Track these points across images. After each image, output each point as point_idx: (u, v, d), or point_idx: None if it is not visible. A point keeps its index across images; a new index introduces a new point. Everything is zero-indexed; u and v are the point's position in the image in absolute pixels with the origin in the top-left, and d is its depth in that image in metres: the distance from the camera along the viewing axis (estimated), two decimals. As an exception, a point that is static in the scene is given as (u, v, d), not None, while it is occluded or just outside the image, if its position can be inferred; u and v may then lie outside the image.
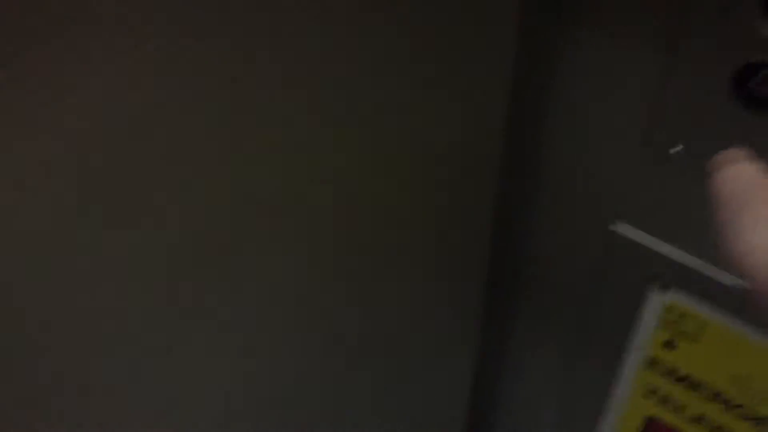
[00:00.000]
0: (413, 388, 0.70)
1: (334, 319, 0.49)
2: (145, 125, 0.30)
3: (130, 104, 0.29)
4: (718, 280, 0.61)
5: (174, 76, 0.30)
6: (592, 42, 0.59)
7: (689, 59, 0.53)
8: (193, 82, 0.31)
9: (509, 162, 0.66)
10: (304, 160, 0.40)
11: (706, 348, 0.65)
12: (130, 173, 0.30)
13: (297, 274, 0.44)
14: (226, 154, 0.34)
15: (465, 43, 0.51)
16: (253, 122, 0.35)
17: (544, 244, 0.72)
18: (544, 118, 0.65)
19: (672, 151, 0.57)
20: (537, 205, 0.70)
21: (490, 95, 0.59)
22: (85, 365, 0.32)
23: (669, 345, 0.67)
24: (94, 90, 0.27)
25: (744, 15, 0.49)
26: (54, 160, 0.27)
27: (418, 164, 0.52)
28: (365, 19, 0.40)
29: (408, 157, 0.51)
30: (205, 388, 0.39)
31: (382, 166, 0.48)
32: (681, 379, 0.69)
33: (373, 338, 0.56)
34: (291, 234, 0.41)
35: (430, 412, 0.79)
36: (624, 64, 0.57)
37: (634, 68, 0.57)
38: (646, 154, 0.59)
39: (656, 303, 0.66)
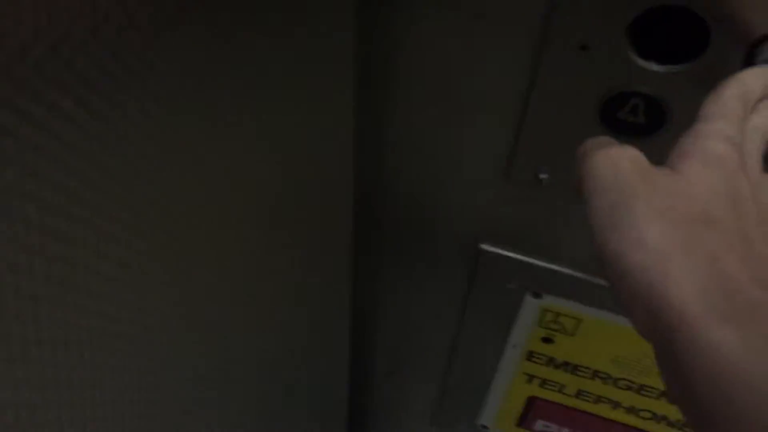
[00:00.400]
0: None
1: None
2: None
3: None
4: (589, 282, 0.58)
5: None
6: (452, 66, 0.49)
7: (554, 89, 0.46)
8: None
9: (369, 186, 0.59)
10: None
11: (583, 340, 0.64)
12: None
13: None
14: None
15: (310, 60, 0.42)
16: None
17: (414, 258, 0.66)
18: (401, 144, 0.56)
19: (540, 176, 0.51)
20: (404, 222, 0.63)
21: (337, 120, 0.50)
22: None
23: (547, 341, 0.66)
24: None
25: (610, 48, 0.42)
26: None
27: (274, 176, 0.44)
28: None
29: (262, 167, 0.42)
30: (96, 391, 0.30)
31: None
32: (560, 365, 0.68)
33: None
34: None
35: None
36: (485, 91, 0.49)
37: (496, 95, 0.49)
38: (511, 178, 0.53)
39: (531, 307, 0.63)
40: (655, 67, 0.42)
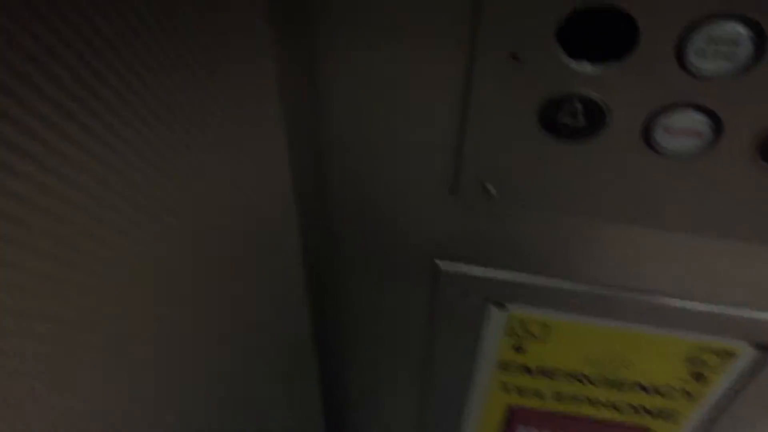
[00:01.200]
0: None
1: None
2: None
3: None
4: (551, 287, 0.57)
5: None
6: (384, 85, 0.48)
7: (489, 101, 0.44)
8: None
9: (317, 213, 0.56)
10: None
11: (554, 344, 0.63)
12: None
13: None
14: None
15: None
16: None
17: (372, 283, 0.64)
18: (342, 169, 0.54)
19: (488, 187, 0.50)
20: (357, 248, 0.61)
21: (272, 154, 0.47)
22: None
23: (518, 349, 0.64)
24: None
25: (541, 54, 0.41)
26: None
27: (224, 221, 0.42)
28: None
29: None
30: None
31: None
32: (535, 372, 0.67)
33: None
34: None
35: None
36: (422, 109, 0.48)
37: (433, 112, 0.47)
38: (459, 193, 0.51)
39: (497, 319, 0.61)
40: (588, 68, 0.41)
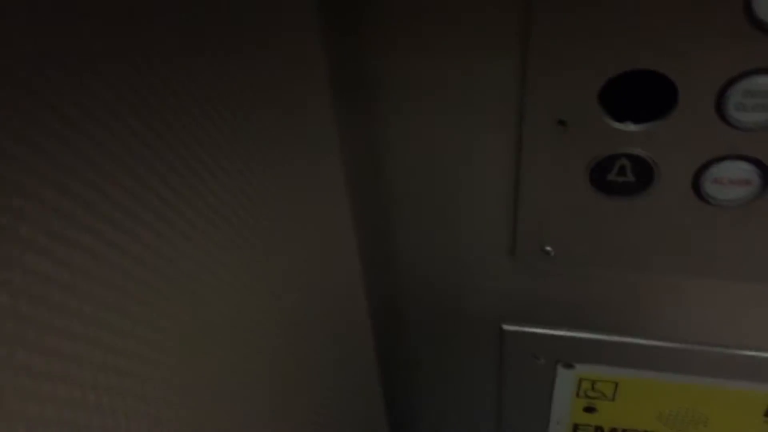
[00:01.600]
0: None
1: None
2: None
3: None
4: (618, 344, 0.58)
5: None
6: (439, 154, 0.51)
7: (540, 165, 0.47)
8: None
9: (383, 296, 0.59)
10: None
11: (625, 403, 0.62)
12: None
13: None
14: None
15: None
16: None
17: (439, 349, 0.65)
18: (403, 241, 0.57)
19: (546, 249, 0.51)
20: (421, 318, 0.63)
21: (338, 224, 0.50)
22: None
23: (589, 410, 0.64)
24: None
25: (586, 118, 0.43)
26: None
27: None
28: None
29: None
30: None
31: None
32: (609, 432, 0.66)
33: None
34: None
35: None
36: (475, 176, 0.50)
37: (486, 179, 0.50)
38: (518, 256, 0.53)
39: (566, 379, 0.62)
40: (632, 127, 0.43)
